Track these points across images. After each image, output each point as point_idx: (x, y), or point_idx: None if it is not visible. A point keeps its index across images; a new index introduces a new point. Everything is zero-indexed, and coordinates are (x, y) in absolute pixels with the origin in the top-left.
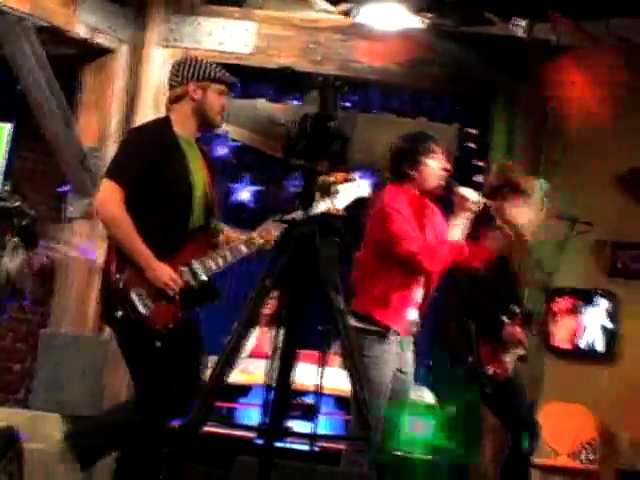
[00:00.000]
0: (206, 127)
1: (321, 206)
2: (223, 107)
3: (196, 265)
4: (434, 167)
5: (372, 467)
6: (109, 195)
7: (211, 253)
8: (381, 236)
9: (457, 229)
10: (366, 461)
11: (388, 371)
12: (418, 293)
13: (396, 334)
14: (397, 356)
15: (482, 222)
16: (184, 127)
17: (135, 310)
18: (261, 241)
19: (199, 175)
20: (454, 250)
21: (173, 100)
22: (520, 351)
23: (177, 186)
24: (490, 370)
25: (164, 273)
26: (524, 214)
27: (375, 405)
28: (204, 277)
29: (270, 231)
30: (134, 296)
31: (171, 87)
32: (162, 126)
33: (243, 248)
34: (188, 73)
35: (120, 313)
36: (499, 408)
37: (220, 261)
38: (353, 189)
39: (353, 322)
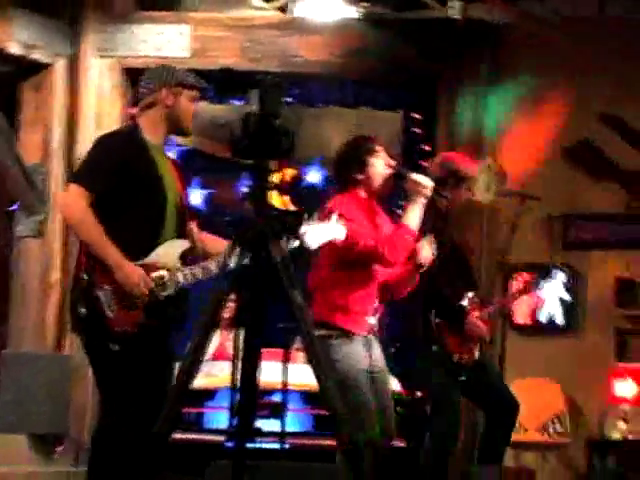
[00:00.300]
0: (176, 134)
1: (293, 244)
2: (193, 112)
3: (166, 277)
4: (379, 165)
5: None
6: (73, 198)
7: (182, 268)
8: (333, 244)
9: (414, 215)
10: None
11: (359, 369)
12: (374, 294)
13: (359, 335)
14: (364, 356)
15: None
16: (154, 134)
17: (98, 309)
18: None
19: (171, 183)
20: (408, 233)
21: (144, 107)
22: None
23: (148, 192)
24: (456, 357)
25: (134, 273)
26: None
27: (354, 402)
28: (171, 290)
29: None
30: (99, 294)
31: (142, 95)
32: (131, 132)
33: (213, 268)
34: (160, 80)
35: (83, 310)
36: (475, 394)
37: (189, 277)
38: (327, 230)
39: (315, 331)
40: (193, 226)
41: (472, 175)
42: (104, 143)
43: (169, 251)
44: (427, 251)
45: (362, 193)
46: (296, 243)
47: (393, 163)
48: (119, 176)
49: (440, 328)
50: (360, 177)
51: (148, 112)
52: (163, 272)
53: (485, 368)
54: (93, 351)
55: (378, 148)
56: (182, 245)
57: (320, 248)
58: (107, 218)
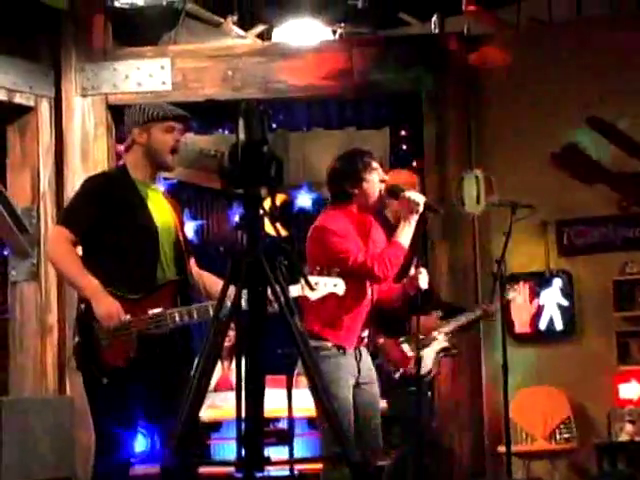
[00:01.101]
0: (160, 169)
1: (294, 291)
2: (174, 143)
3: (161, 316)
4: (375, 181)
5: None
6: (55, 238)
7: (180, 309)
8: (324, 259)
9: (406, 233)
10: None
11: (346, 385)
12: (366, 309)
13: (350, 349)
14: (354, 368)
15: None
16: (139, 172)
17: (91, 339)
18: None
19: (165, 219)
20: (400, 251)
21: (126, 150)
22: (439, 345)
23: (140, 231)
24: (398, 373)
25: (109, 306)
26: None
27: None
28: (166, 329)
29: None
30: (94, 325)
31: (126, 135)
32: (118, 173)
33: (210, 309)
34: (131, 120)
35: (77, 339)
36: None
37: (186, 318)
38: (329, 285)
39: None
40: (191, 264)
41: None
42: (87, 184)
43: None
44: (425, 279)
45: (354, 208)
46: (295, 292)
47: (387, 179)
48: (106, 215)
49: (384, 344)
50: (355, 191)
51: (130, 153)
52: (160, 309)
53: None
54: (86, 382)
55: (374, 164)
56: None
57: (309, 265)
58: (99, 258)
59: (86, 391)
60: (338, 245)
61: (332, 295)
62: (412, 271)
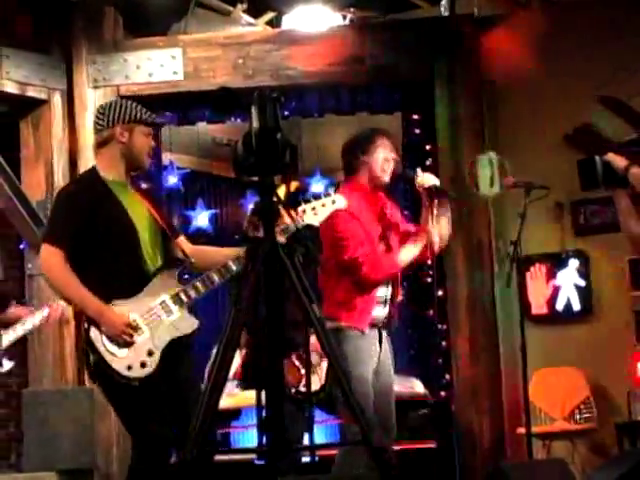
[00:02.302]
0: (134, 169)
1: (292, 226)
2: (151, 148)
3: (168, 301)
4: (380, 154)
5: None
6: (49, 259)
7: (185, 286)
8: (331, 238)
9: (409, 252)
10: (360, 462)
11: (365, 366)
12: (382, 291)
13: (369, 329)
14: (374, 350)
15: None
16: (112, 171)
17: (108, 352)
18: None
19: (140, 214)
20: (396, 267)
21: (100, 144)
22: None
23: (120, 231)
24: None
25: (115, 320)
26: None
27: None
28: (178, 313)
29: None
30: (105, 340)
31: (97, 131)
32: (89, 178)
33: (215, 277)
34: (114, 116)
35: (93, 357)
36: None
37: (193, 293)
38: (328, 204)
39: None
40: (183, 242)
41: None
42: (64, 197)
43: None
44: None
45: (364, 181)
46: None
47: (393, 157)
48: (86, 224)
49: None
50: (361, 160)
51: (103, 150)
52: (164, 296)
53: None
54: (114, 395)
55: (383, 139)
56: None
57: (323, 251)
58: (86, 265)
59: (115, 402)
60: (340, 230)
61: (341, 278)
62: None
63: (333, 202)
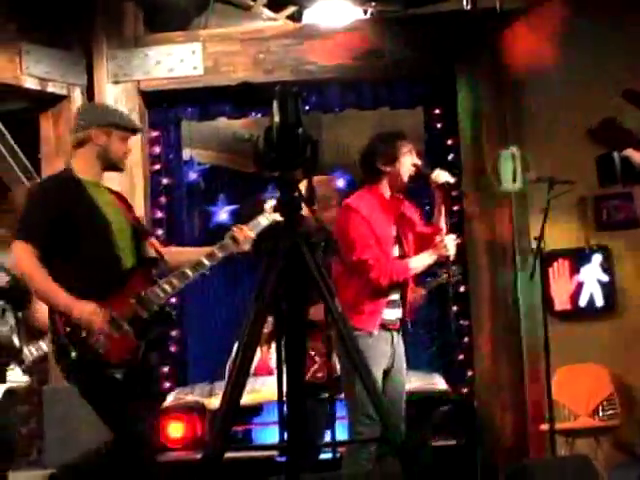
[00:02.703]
0: (110, 170)
1: (263, 221)
2: (127, 152)
3: (145, 296)
4: (407, 163)
5: (376, 464)
6: (20, 255)
7: (159, 282)
8: (341, 240)
9: (421, 261)
10: (368, 460)
11: (377, 366)
12: (392, 293)
13: (378, 331)
14: (385, 351)
15: None
16: (88, 171)
17: (88, 348)
18: (233, 246)
19: (114, 214)
20: (406, 273)
21: (77, 144)
22: None
23: (94, 230)
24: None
25: (86, 311)
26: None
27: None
28: (155, 307)
29: (235, 235)
30: (84, 334)
31: (75, 131)
32: (64, 177)
33: (190, 273)
34: (92, 118)
35: (74, 354)
36: None
37: (168, 288)
38: (265, 218)
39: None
40: (155, 242)
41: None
42: (37, 193)
43: None
44: (452, 246)
45: (385, 189)
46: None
47: (419, 163)
48: (59, 221)
49: None
50: (387, 170)
51: (80, 150)
52: (142, 293)
53: None
54: (94, 391)
55: (408, 146)
56: None
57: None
58: (62, 261)
59: (95, 398)
60: (352, 233)
61: (349, 280)
62: (437, 239)
63: (269, 214)
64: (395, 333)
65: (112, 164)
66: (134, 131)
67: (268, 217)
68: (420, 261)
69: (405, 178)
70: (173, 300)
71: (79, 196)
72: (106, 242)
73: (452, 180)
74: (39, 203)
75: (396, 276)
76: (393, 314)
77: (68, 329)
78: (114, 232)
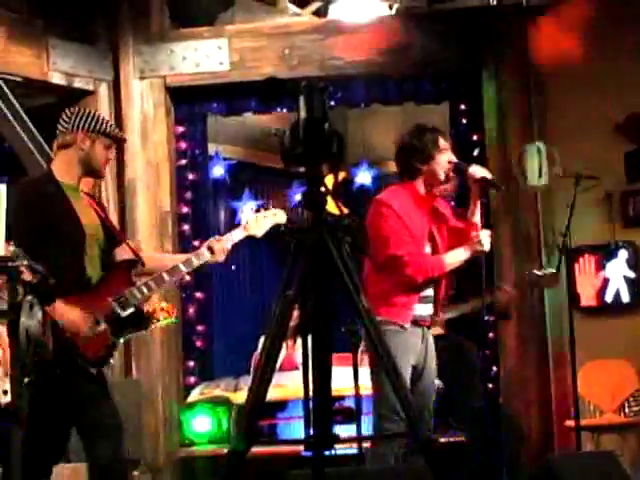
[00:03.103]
0: (89, 176)
1: (238, 235)
2: (108, 160)
3: (123, 297)
4: (444, 161)
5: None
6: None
7: (138, 283)
8: (375, 236)
9: (457, 257)
10: (392, 455)
11: (406, 361)
12: (425, 289)
13: (411, 326)
14: (414, 348)
15: None
16: (68, 175)
17: (68, 345)
18: (208, 256)
19: (90, 221)
20: (441, 269)
21: (61, 146)
22: None
23: (66, 232)
24: None
25: (76, 319)
26: None
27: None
28: (132, 309)
29: (212, 245)
30: (65, 335)
31: (60, 133)
32: (44, 178)
33: (166, 277)
34: (79, 123)
35: (53, 344)
36: None
37: (145, 290)
38: (270, 218)
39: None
40: (132, 245)
41: None
42: (20, 196)
43: None
44: (487, 241)
45: (421, 186)
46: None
47: (455, 160)
48: (39, 224)
49: None
50: (423, 168)
51: (62, 152)
52: (121, 293)
53: None
54: (66, 385)
55: (445, 144)
56: None
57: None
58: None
59: (68, 393)
60: (386, 229)
61: (382, 274)
62: (473, 234)
63: (274, 215)
64: (426, 329)
65: (92, 169)
66: (118, 141)
67: (243, 231)
68: (455, 256)
69: (442, 176)
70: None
71: (57, 198)
72: (76, 245)
73: (489, 176)
74: (22, 207)
75: (432, 272)
76: (425, 310)
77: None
78: (86, 236)
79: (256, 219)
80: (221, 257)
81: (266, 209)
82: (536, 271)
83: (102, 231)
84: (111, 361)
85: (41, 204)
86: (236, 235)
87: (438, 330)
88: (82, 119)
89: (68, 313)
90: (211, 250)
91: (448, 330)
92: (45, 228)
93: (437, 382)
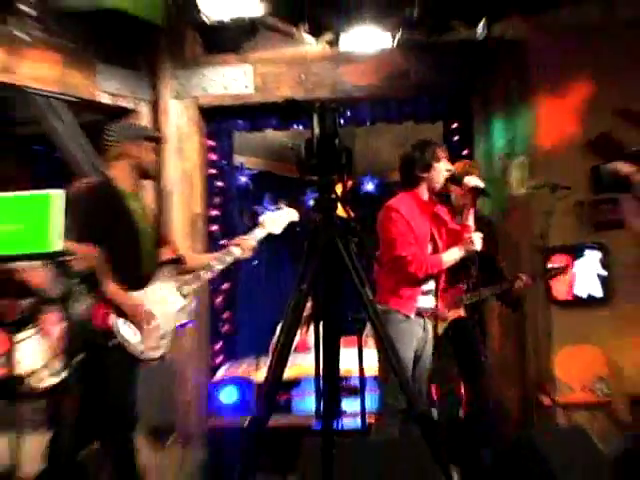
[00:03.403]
0: (144, 179)
1: (259, 233)
2: (153, 160)
3: (173, 292)
4: (441, 169)
5: (407, 431)
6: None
7: (184, 280)
8: (385, 238)
9: (452, 255)
10: (394, 428)
11: (409, 346)
12: (427, 283)
13: (414, 316)
14: (416, 335)
15: None
16: (125, 182)
17: (125, 337)
18: (238, 253)
19: (144, 222)
20: (439, 266)
21: (112, 158)
22: None
23: (127, 236)
24: None
25: (137, 309)
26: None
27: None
28: (183, 302)
29: (240, 243)
30: (122, 327)
31: (108, 147)
32: (105, 184)
33: (202, 274)
34: (123, 134)
35: (114, 341)
36: None
37: (193, 285)
38: (284, 216)
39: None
40: (174, 246)
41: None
42: (85, 199)
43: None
44: (478, 242)
45: (424, 192)
46: (262, 234)
47: (452, 168)
48: (102, 225)
49: None
50: (423, 176)
51: (117, 164)
52: (170, 289)
53: None
54: (117, 371)
55: (442, 154)
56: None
57: (379, 245)
58: (105, 254)
59: (114, 379)
60: (395, 227)
61: (390, 269)
62: (466, 235)
63: (288, 213)
64: (427, 320)
65: (144, 172)
66: (157, 141)
67: (262, 229)
68: (451, 255)
69: (440, 182)
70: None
71: (118, 204)
72: (134, 247)
73: (482, 185)
74: (89, 208)
75: (431, 269)
76: (427, 302)
77: (110, 319)
78: (142, 236)
79: (272, 218)
80: (248, 253)
81: (279, 209)
82: (550, 264)
83: (154, 232)
84: (163, 350)
85: (105, 205)
86: (258, 233)
87: (460, 312)
88: (124, 131)
89: (129, 299)
90: (239, 248)
91: (468, 313)
92: (108, 226)
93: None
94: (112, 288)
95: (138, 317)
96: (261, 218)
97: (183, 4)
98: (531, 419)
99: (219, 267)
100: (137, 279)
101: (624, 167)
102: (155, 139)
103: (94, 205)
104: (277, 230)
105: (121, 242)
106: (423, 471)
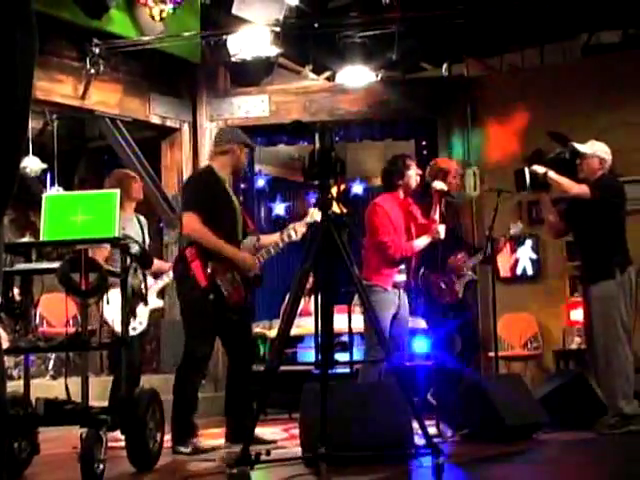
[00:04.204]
0: (235, 174)
1: (308, 220)
2: (246, 163)
3: (261, 257)
4: (413, 174)
5: (385, 377)
6: (190, 220)
7: (260, 251)
8: (370, 226)
9: (422, 242)
10: (377, 373)
11: (387, 311)
12: (401, 264)
13: (391, 288)
14: (393, 303)
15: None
16: (223, 172)
17: (221, 292)
18: (294, 235)
19: (235, 203)
20: (412, 250)
21: (220, 152)
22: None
23: (226, 209)
24: None
25: (248, 257)
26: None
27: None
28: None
29: (294, 228)
30: (220, 283)
31: (218, 143)
32: (210, 173)
33: (271, 250)
34: (234, 137)
35: (212, 296)
36: None
37: (266, 255)
38: (317, 212)
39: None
40: (250, 224)
41: (449, 167)
42: (197, 181)
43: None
44: (442, 232)
45: (401, 194)
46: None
47: (421, 172)
48: (209, 202)
49: None
50: (399, 182)
51: (220, 157)
52: (259, 254)
53: None
54: (218, 320)
55: (411, 163)
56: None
57: (365, 234)
58: (212, 227)
59: (218, 326)
60: (379, 219)
61: (374, 252)
62: (433, 227)
63: (318, 211)
64: (401, 290)
65: (237, 169)
66: (254, 148)
67: (310, 218)
68: (421, 242)
69: (413, 184)
70: None
71: (219, 187)
72: (232, 220)
73: (446, 188)
74: (196, 188)
75: (406, 252)
76: (401, 277)
77: (209, 279)
78: (237, 214)
79: (314, 211)
80: (300, 236)
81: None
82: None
83: (241, 214)
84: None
85: (213, 188)
86: (307, 220)
87: (473, 276)
88: (235, 135)
89: (239, 254)
90: (295, 231)
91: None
92: (215, 204)
93: None
94: (230, 248)
95: (252, 267)
96: (310, 210)
97: (216, 46)
98: (480, 368)
99: (281, 245)
100: (235, 243)
101: (539, 168)
102: (253, 148)
103: (203, 185)
104: (318, 219)
105: (223, 213)
106: (396, 406)
